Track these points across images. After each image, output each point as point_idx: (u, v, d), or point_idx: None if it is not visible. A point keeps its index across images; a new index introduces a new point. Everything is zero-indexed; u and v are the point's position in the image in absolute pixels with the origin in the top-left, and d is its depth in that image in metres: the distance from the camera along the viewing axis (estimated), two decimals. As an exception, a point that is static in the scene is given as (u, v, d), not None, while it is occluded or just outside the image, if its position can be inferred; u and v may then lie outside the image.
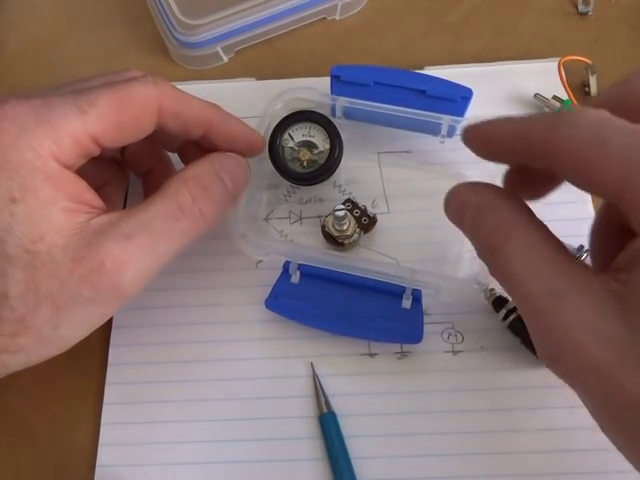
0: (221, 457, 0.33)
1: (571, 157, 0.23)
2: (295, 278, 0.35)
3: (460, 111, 0.36)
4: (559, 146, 0.24)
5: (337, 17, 0.45)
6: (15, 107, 0.27)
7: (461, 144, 0.34)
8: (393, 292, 0.34)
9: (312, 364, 0.34)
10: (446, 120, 0.36)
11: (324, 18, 0.45)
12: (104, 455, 0.33)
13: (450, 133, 0.37)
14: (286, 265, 0.35)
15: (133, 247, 0.28)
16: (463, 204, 0.27)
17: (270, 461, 0.33)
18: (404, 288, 0.33)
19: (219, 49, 0.43)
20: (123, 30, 0.46)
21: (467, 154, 0.38)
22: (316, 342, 0.35)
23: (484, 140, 0.28)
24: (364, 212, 0.36)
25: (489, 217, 0.26)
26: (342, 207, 0.35)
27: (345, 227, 0.35)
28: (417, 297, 0.34)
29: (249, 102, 0.41)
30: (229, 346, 0.35)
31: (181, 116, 0.31)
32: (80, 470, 0.33)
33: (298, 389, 0.34)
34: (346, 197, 0.37)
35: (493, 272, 0.26)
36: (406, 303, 0.34)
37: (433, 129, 0.37)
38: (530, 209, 0.26)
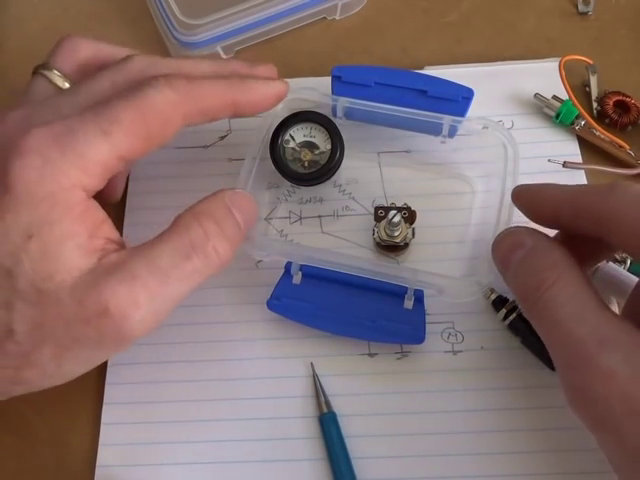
0: (221, 457, 0.33)
1: (627, 227, 0.25)
2: (297, 279, 0.34)
3: (461, 111, 0.36)
4: (614, 216, 0.26)
5: (337, 17, 0.45)
6: (38, 138, 0.27)
7: (461, 144, 0.34)
8: (395, 293, 0.34)
9: (312, 364, 0.34)
10: (447, 120, 0.36)
11: (324, 18, 0.45)
12: (104, 455, 0.33)
13: (451, 133, 0.37)
14: (287, 266, 0.34)
15: (140, 289, 0.26)
16: (518, 244, 0.29)
17: (270, 461, 0.33)
18: (406, 289, 0.33)
19: (219, 49, 0.43)
20: (123, 30, 0.46)
21: (467, 154, 0.38)
22: (316, 342, 0.35)
23: (535, 203, 0.30)
24: (400, 208, 0.36)
25: (542, 257, 0.28)
26: (395, 212, 0.35)
27: (397, 233, 0.35)
28: (419, 297, 0.34)
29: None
30: (229, 346, 0.35)
31: (207, 112, 0.30)
32: (80, 470, 0.33)
33: (298, 389, 0.34)
34: (346, 197, 0.37)
35: (532, 311, 0.28)
36: (408, 304, 0.33)
37: (434, 129, 0.37)
38: (575, 262, 0.28)
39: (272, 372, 0.34)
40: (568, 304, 0.26)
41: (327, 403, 0.33)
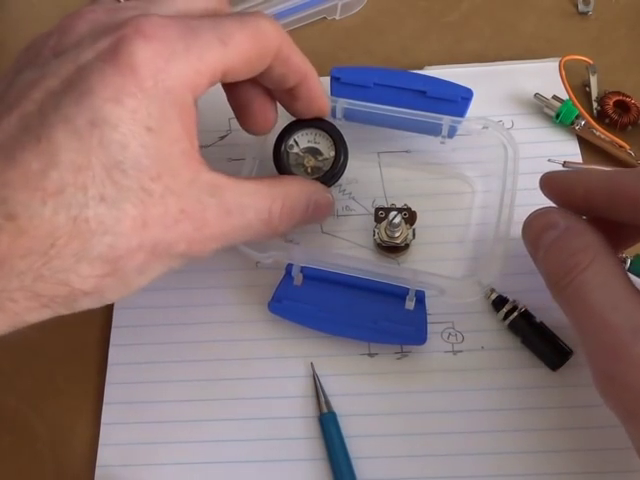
0: (221, 457, 0.33)
1: None
2: (298, 280, 0.34)
3: (461, 111, 0.36)
4: None
5: (337, 17, 0.45)
6: (165, 27, 0.25)
7: (461, 144, 0.34)
8: (396, 294, 0.34)
9: (312, 364, 0.34)
10: (446, 121, 0.36)
11: (324, 18, 0.45)
12: (104, 455, 0.33)
13: (451, 134, 0.37)
14: (289, 268, 0.34)
15: (227, 225, 0.27)
16: (550, 224, 0.28)
17: (270, 461, 0.33)
18: (407, 289, 0.33)
19: (219, 49, 0.43)
20: (123, 30, 0.46)
21: (467, 154, 0.38)
22: (316, 342, 0.35)
23: (568, 190, 0.29)
24: (400, 209, 0.36)
25: (576, 239, 0.27)
26: (396, 213, 0.35)
27: (397, 234, 0.35)
28: (420, 298, 0.34)
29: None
30: (229, 346, 0.35)
31: (289, 62, 0.30)
32: (80, 470, 0.33)
33: (298, 389, 0.34)
34: (346, 197, 0.37)
35: (562, 294, 0.27)
36: (409, 304, 0.33)
37: (434, 130, 0.37)
38: (609, 245, 0.27)
39: (272, 372, 0.34)
40: (602, 289, 0.25)
41: (327, 403, 0.33)
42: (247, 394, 0.34)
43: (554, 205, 0.30)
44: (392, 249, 0.36)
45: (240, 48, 0.27)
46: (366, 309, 0.34)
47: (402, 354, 0.34)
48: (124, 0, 0.30)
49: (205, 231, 0.27)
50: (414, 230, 0.36)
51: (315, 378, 0.34)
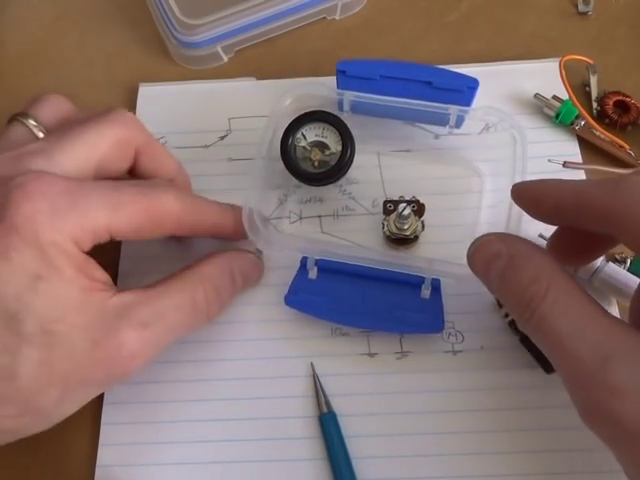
0: (221, 457, 0.33)
1: (636, 223, 0.23)
2: (313, 273, 0.34)
3: (467, 101, 0.36)
4: (621, 210, 0.24)
5: (337, 17, 0.45)
6: (53, 186, 0.27)
7: (461, 144, 0.34)
8: (411, 283, 0.34)
9: (312, 364, 0.34)
10: (454, 110, 0.36)
11: (324, 18, 0.45)
12: (104, 455, 0.33)
13: (458, 123, 0.37)
14: (303, 261, 0.34)
15: (149, 337, 0.28)
16: (492, 255, 0.27)
17: (270, 461, 0.33)
18: (421, 278, 0.33)
19: (219, 49, 0.43)
20: (123, 30, 0.46)
21: (467, 154, 0.38)
22: (316, 342, 0.35)
23: (537, 200, 0.28)
24: (409, 201, 0.36)
25: (523, 269, 0.25)
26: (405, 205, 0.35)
27: (406, 226, 0.35)
28: (436, 286, 0.34)
29: (249, 102, 0.42)
30: (229, 346, 0.35)
31: (196, 227, 0.33)
32: (80, 470, 0.33)
33: (298, 389, 0.34)
34: (346, 197, 0.37)
35: (527, 327, 0.25)
36: (425, 293, 0.34)
37: (441, 120, 0.37)
38: (560, 264, 0.26)
39: (272, 372, 0.34)
40: (564, 318, 0.24)
41: (327, 403, 0.33)
42: (247, 394, 0.34)
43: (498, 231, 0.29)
44: (401, 241, 0.36)
45: (129, 219, 0.29)
46: (381, 299, 0.34)
47: (402, 354, 0.34)
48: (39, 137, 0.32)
49: (123, 352, 0.27)
50: (423, 222, 0.36)
51: (315, 378, 0.34)
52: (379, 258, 0.34)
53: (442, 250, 0.36)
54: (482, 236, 0.28)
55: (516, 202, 0.30)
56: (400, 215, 0.35)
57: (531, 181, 0.29)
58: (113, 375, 0.28)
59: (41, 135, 0.32)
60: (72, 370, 0.27)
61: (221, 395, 0.34)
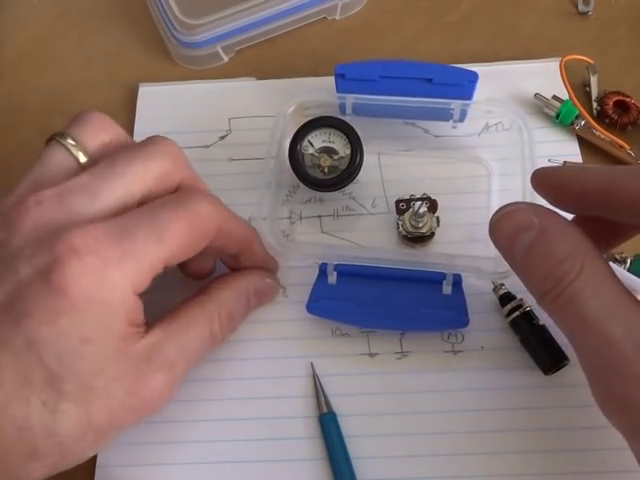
0: (221, 457, 0.33)
1: None
2: (332, 279, 0.34)
3: (468, 94, 0.36)
4: None
5: (337, 17, 0.45)
6: (97, 238, 0.26)
7: (461, 143, 0.34)
8: (430, 280, 0.34)
9: (312, 364, 0.34)
10: (457, 105, 0.36)
11: (324, 18, 0.45)
12: (104, 455, 0.33)
13: (462, 117, 0.37)
14: (323, 267, 0.34)
15: (176, 375, 0.29)
16: (523, 226, 0.25)
17: (270, 461, 0.32)
18: (442, 275, 0.33)
19: (219, 49, 0.43)
20: (123, 30, 0.46)
21: (467, 153, 0.38)
22: (316, 342, 0.35)
23: (561, 186, 0.27)
24: (421, 199, 0.36)
25: (558, 244, 0.24)
26: (420, 203, 0.35)
27: (422, 224, 0.35)
28: (457, 282, 0.34)
29: (249, 102, 0.42)
30: (228, 346, 0.35)
31: (230, 236, 0.31)
32: (80, 470, 0.33)
33: (298, 389, 0.34)
34: (346, 197, 0.37)
35: (552, 305, 0.24)
36: (447, 289, 0.33)
37: (444, 115, 0.37)
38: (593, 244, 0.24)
39: (272, 372, 0.34)
40: (597, 299, 0.23)
41: (327, 403, 0.33)
42: (247, 394, 0.34)
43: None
44: (417, 239, 0.36)
45: (177, 240, 0.28)
46: (404, 299, 0.34)
47: (402, 354, 0.34)
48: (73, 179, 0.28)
49: (154, 396, 0.28)
50: (437, 218, 0.36)
51: (315, 378, 0.34)
52: (402, 258, 0.34)
53: (451, 248, 0.36)
54: (510, 204, 0.26)
55: (536, 189, 0.28)
56: (416, 213, 0.35)
57: (553, 167, 0.28)
58: (143, 417, 0.29)
59: (82, 159, 0.29)
60: (107, 420, 0.27)
61: (221, 395, 0.34)
